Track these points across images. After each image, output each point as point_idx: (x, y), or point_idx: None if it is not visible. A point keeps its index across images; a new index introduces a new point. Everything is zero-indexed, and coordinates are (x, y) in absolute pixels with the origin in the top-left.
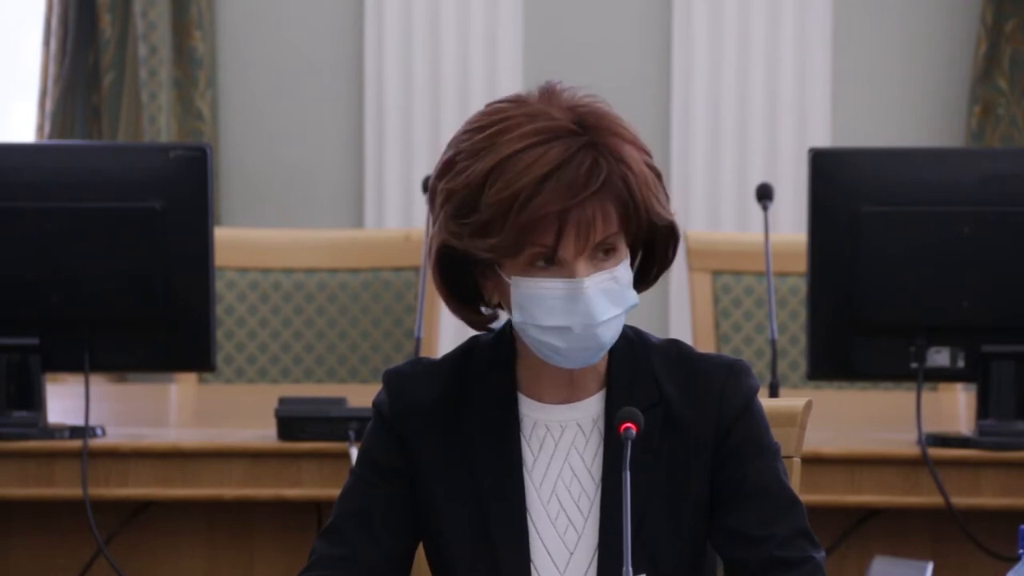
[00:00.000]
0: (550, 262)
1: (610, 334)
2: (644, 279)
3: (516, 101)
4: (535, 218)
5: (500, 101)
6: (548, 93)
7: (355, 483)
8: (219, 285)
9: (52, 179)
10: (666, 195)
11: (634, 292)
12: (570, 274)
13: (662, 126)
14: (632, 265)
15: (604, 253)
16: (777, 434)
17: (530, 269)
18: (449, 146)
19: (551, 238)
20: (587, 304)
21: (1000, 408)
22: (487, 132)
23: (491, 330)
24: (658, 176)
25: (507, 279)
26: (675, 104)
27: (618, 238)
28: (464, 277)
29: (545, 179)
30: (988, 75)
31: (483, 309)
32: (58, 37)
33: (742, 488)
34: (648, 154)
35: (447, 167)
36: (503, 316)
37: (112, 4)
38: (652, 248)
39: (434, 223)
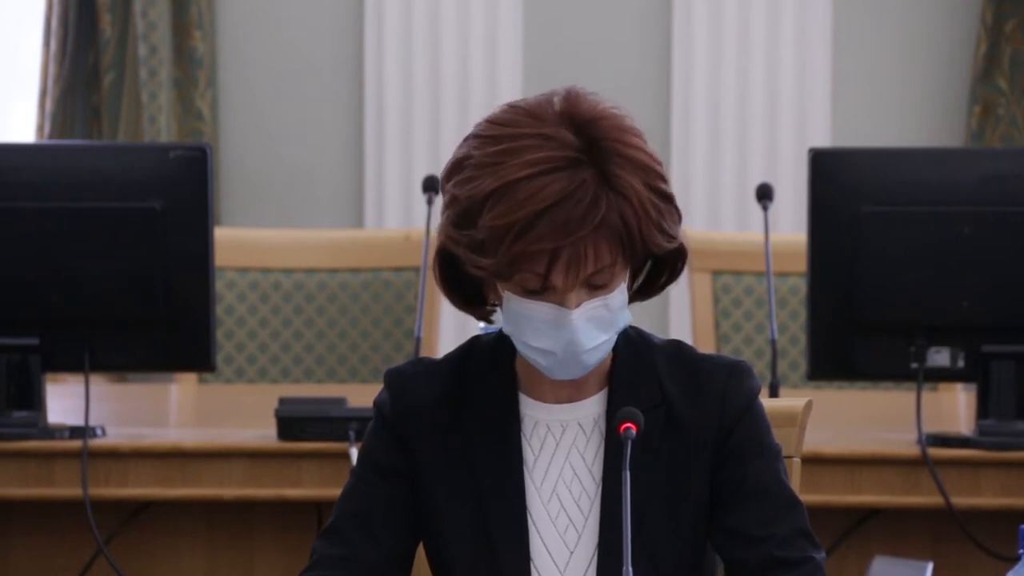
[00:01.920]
0: (541, 288)
1: (596, 358)
2: (651, 289)
3: (535, 114)
4: (528, 251)
5: (520, 106)
6: (570, 102)
7: (356, 483)
8: (219, 285)
9: (52, 179)
10: (677, 217)
11: (627, 313)
12: (560, 302)
13: (662, 126)
14: (639, 275)
15: (598, 282)
16: (777, 434)
17: (521, 291)
18: (464, 142)
19: (542, 268)
20: (573, 333)
21: (1000, 408)
22: (498, 147)
23: (492, 322)
24: (667, 199)
25: (501, 291)
26: (675, 104)
27: (613, 269)
28: (465, 273)
29: (542, 214)
30: (988, 75)
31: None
32: (58, 37)
33: (742, 488)
34: (660, 175)
35: (456, 168)
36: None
37: (112, 4)
38: (660, 261)
39: (440, 218)
